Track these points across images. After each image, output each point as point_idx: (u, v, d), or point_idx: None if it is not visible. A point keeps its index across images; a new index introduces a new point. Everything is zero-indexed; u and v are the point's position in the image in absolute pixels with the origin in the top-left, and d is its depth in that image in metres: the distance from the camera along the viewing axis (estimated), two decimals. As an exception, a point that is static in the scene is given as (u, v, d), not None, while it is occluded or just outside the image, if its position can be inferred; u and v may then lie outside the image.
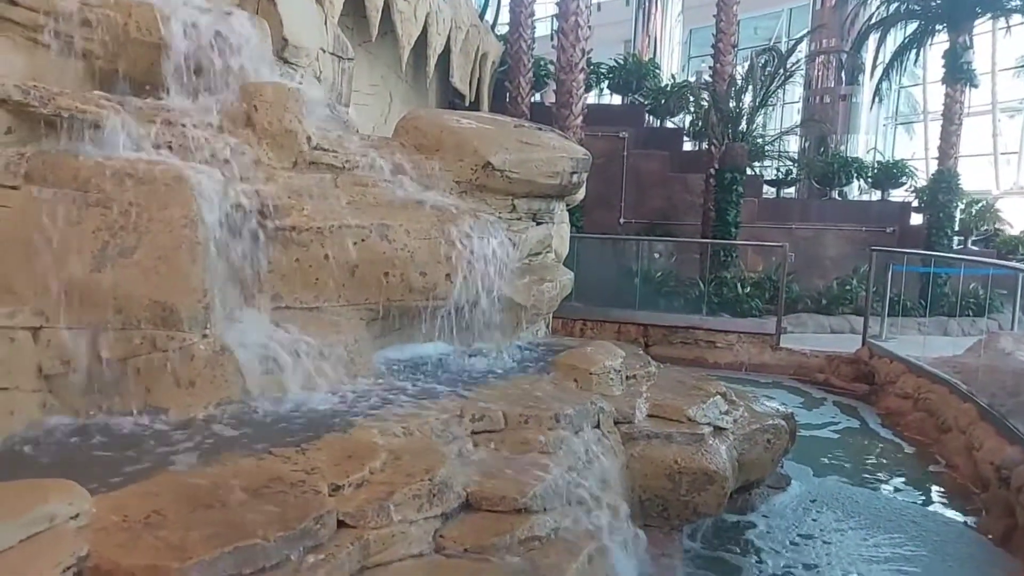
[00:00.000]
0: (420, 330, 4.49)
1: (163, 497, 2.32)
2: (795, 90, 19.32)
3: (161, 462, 2.67)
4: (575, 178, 5.43)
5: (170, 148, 3.59)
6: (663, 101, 15.42)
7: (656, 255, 12.83)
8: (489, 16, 15.50)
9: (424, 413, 3.33)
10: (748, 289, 11.37)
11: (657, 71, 16.47)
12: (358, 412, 3.37)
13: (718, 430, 4.15)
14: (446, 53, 11.74)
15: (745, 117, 12.83)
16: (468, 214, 4.51)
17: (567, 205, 6.03)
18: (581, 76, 12.71)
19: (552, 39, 14.93)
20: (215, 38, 4.14)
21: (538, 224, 5.43)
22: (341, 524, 2.40)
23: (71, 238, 3.10)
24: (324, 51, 5.46)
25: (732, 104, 12.78)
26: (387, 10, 9.68)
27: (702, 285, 11.35)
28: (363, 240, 4.00)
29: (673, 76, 17.80)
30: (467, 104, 12.96)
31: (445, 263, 4.21)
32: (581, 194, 6.12)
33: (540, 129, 5.66)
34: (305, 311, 3.88)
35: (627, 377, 4.42)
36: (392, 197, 4.38)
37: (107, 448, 2.84)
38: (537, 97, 15.19)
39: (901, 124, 24.62)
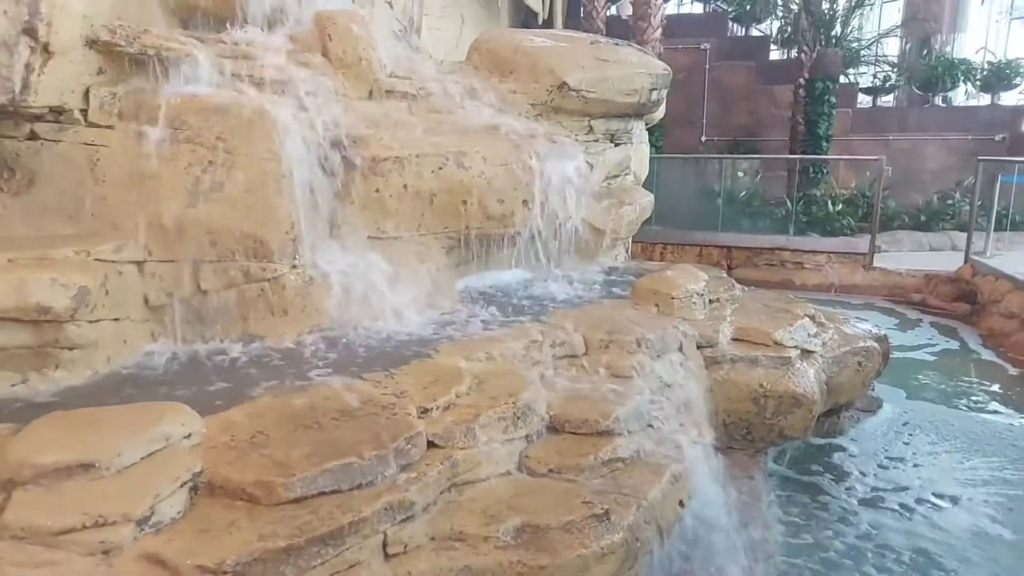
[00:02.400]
0: (499, 257, 4.51)
1: (265, 418, 2.46)
2: (896, -13, 17.75)
3: (263, 386, 2.83)
4: (654, 95, 5.23)
5: (251, 81, 3.64)
6: (748, 7, 14.50)
7: (740, 174, 12.32)
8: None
9: (506, 339, 3.38)
10: (839, 207, 10.85)
11: (742, -26, 15.44)
12: (442, 338, 3.45)
13: (806, 353, 4.05)
14: (518, -31, 11.32)
15: (839, 19, 11.92)
16: (544, 137, 4.43)
17: (646, 124, 5.84)
18: (660, -15, 12.06)
19: (628, -53, 14.13)
20: (287, -33, 4.11)
21: (616, 145, 5.29)
22: (431, 444, 2.50)
23: (165, 174, 3.23)
24: (394, -26, 5.36)
25: (825, 6, 11.87)
26: (456, -73, 9.37)
27: (789, 204, 10.88)
28: (440, 168, 4.00)
29: (760, -21, 16.64)
30: (540, 22, 12.55)
31: (522, 189, 4.18)
32: (661, 112, 5.90)
33: (617, 44, 5.44)
34: (387, 241, 3.95)
35: (710, 301, 4.33)
36: (467, 123, 4.34)
37: (211, 373, 3.03)
38: (613, 11, 14.55)
39: (1017, 19, 22.34)
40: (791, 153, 12.30)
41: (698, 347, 3.87)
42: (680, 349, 3.75)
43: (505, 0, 11.48)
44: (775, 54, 15.28)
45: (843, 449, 4.34)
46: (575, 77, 4.74)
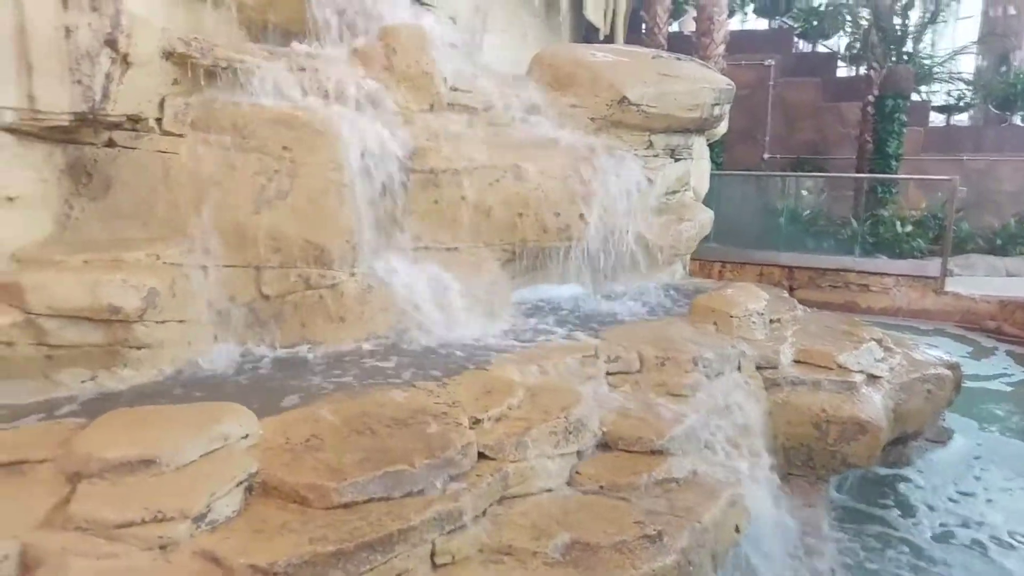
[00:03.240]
0: (554, 271, 4.49)
1: (321, 423, 2.49)
2: (971, 2, 17.12)
3: (317, 390, 2.87)
4: (717, 110, 5.15)
5: (316, 93, 3.73)
6: (815, 23, 14.18)
7: (804, 192, 12.01)
8: (625, -58, 14.76)
9: (559, 353, 3.35)
10: (909, 228, 10.44)
11: (810, -12, 15.14)
12: (495, 350, 3.44)
13: (872, 378, 3.89)
14: (580, -15, 11.37)
15: (911, 36, 11.56)
16: (603, 152, 4.41)
17: (707, 140, 5.75)
18: (724, 0, 11.91)
19: (692, -38, 14.03)
20: (355, -18, 4.22)
21: (676, 161, 5.22)
22: (481, 456, 2.48)
23: (232, 182, 3.34)
24: (459, -10, 5.44)
25: (896, 22, 11.53)
26: (520, -57, 9.46)
27: (855, 224, 10.54)
28: (498, 181, 4.01)
29: (828, -6, 16.29)
30: (602, 38, 12.54)
31: (579, 203, 4.16)
32: (723, 128, 5.81)
33: (679, 59, 5.39)
34: (444, 252, 3.98)
35: (770, 321, 4.22)
36: (526, 137, 4.36)
37: (269, 376, 3.09)
38: (675, 27, 14.45)
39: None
40: (858, 172, 11.94)
41: (757, 368, 3.76)
42: (738, 369, 3.66)
43: (566, 16, 11.52)
44: (843, 71, 14.90)
45: (910, 480, 4.14)
46: (636, 91, 4.71)
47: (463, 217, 3.99)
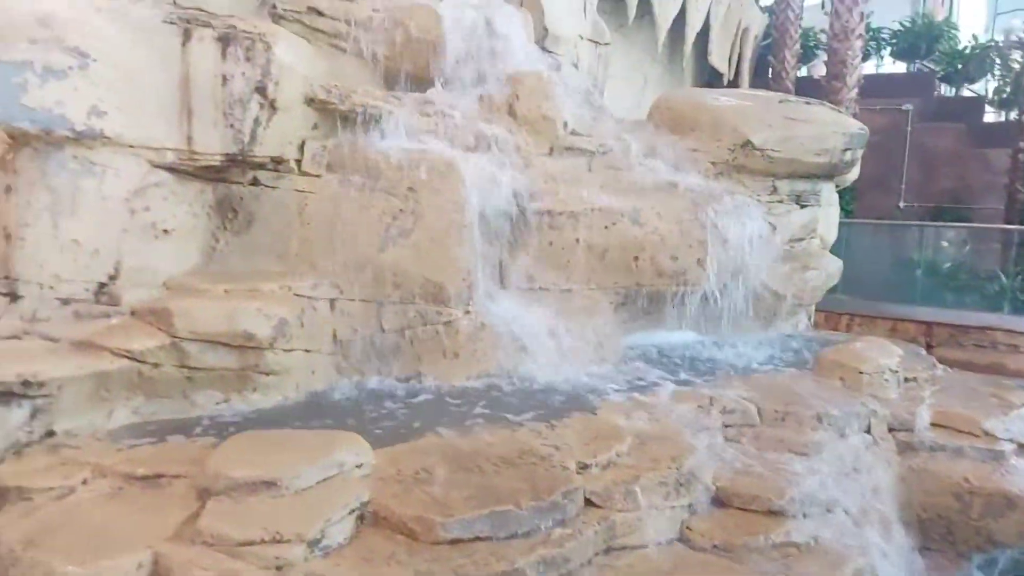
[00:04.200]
0: (670, 316, 4.39)
1: (430, 456, 2.54)
2: None
3: (428, 424, 2.92)
4: (847, 156, 4.93)
5: (443, 137, 3.89)
6: (960, 66, 13.36)
7: (944, 243, 11.19)
8: (752, -13, 14.58)
9: (671, 401, 3.26)
10: (1067, 285, 9.48)
11: (953, 32, 14.30)
12: (605, 394, 3.40)
13: (1023, 448, 3.52)
14: (704, 30, 11.30)
15: (1071, 78, 10.66)
16: (723, 196, 4.31)
17: (836, 186, 5.50)
18: (858, 43, 11.47)
19: (823, 6, 13.66)
20: (483, 33, 4.39)
21: (802, 207, 5.02)
22: (588, 502, 2.44)
23: (361, 220, 3.52)
24: (582, 38, 5.55)
25: (1054, 64, 10.69)
26: (645, -9, 9.56)
27: (1004, 278, 9.68)
28: (614, 224, 4.00)
29: (974, 37, 15.35)
30: (726, 83, 12.37)
31: (697, 247, 4.07)
32: (854, 174, 5.55)
33: (808, 103, 5.22)
34: (557, 293, 3.99)
35: (905, 379, 3.93)
36: (644, 180, 4.33)
37: (384, 408, 3.18)
38: (804, 71, 14.03)
39: None
40: (1007, 223, 11.00)
41: (889, 429, 3.50)
42: (868, 430, 3.41)
43: (690, 61, 11.47)
44: (990, 116, 13.91)
45: (1070, 568, 3.68)
46: (760, 136, 4.59)
47: (578, 259, 4.00)
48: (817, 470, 2.89)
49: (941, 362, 4.64)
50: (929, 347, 7.92)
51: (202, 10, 3.71)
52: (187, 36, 3.22)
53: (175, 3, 3.81)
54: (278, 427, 2.78)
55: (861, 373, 3.72)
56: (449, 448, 2.62)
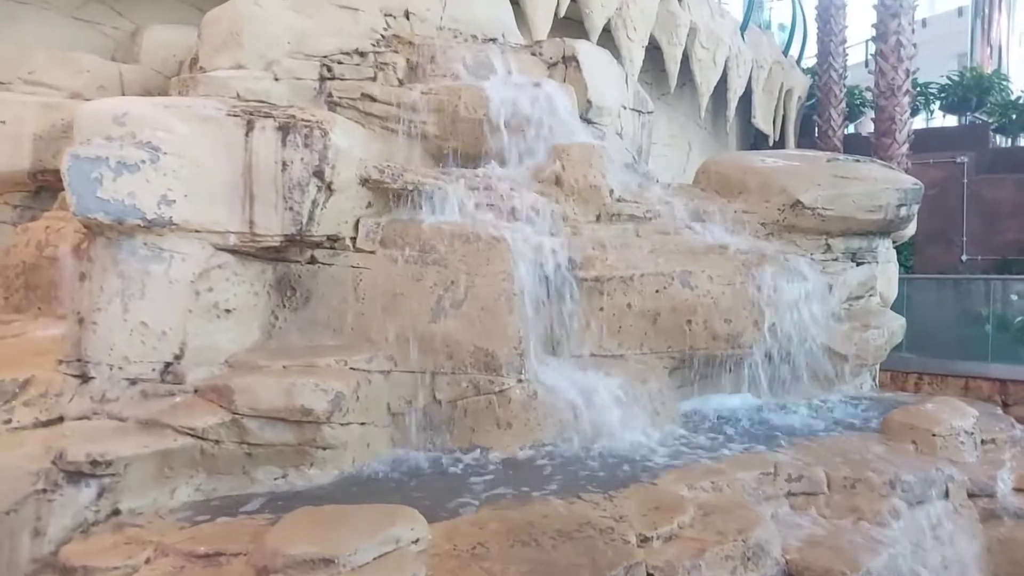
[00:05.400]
0: (726, 380, 4.30)
1: (486, 530, 2.50)
2: None
3: (483, 497, 2.89)
4: (903, 211, 4.84)
5: (491, 210, 3.98)
6: (1014, 116, 13.11)
7: (1014, 297, 10.74)
8: (794, 50, 14.73)
9: (733, 469, 3.16)
10: None
11: (1005, 83, 14.11)
12: (663, 463, 3.31)
13: (1121, 515, 3.27)
14: (747, 94, 11.42)
15: None
16: (776, 257, 4.26)
17: (893, 242, 5.38)
18: (905, 99, 11.43)
19: (867, 64, 13.70)
20: (529, 109, 4.53)
21: (858, 264, 4.93)
22: (650, 577, 2.35)
23: (414, 293, 3.60)
24: (625, 108, 5.67)
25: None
26: (686, 60, 9.76)
27: (1082, 332, 9.20)
28: (665, 288, 3.99)
29: (1028, 85, 15.10)
30: (771, 144, 12.40)
31: (751, 309, 4.01)
32: (910, 230, 5.44)
33: (857, 161, 5.18)
34: (609, 359, 3.97)
35: (982, 441, 3.73)
36: (694, 243, 4.33)
37: (439, 480, 3.17)
38: (851, 128, 13.97)
39: None
40: (1081, 273, 10.53)
41: (969, 495, 3.31)
42: (946, 496, 3.23)
43: (733, 125, 11.56)
44: (1052, 164, 13.51)
45: None
46: (810, 195, 4.57)
47: (629, 324, 3.98)
48: (894, 540, 2.74)
49: (1020, 422, 4.39)
50: (1005, 406, 7.53)
51: (263, 102, 3.95)
52: (250, 127, 3.42)
53: (239, 96, 4.07)
54: (335, 502, 2.78)
55: (934, 436, 3.55)
56: (505, 521, 2.58)
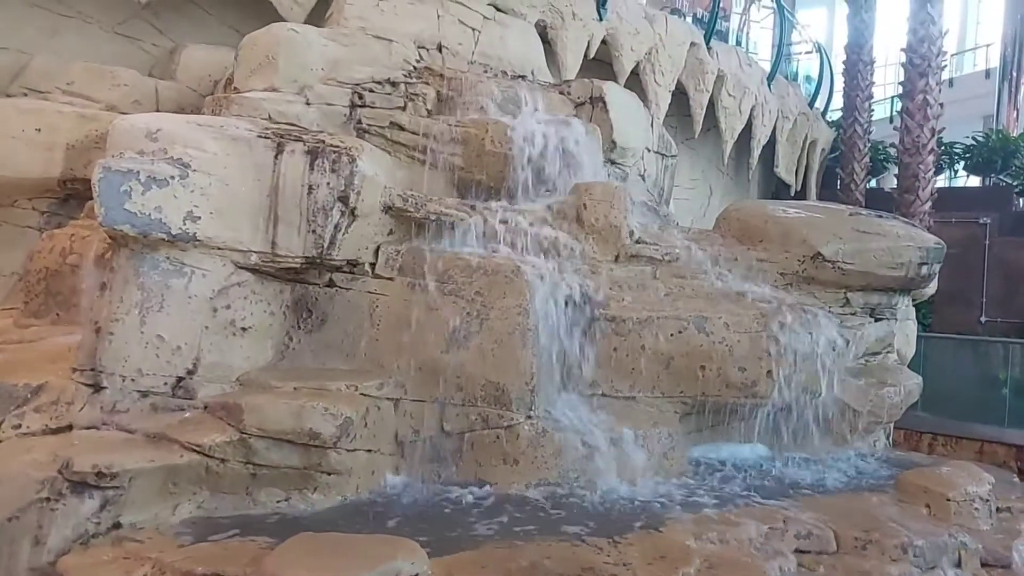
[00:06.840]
0: (737, 429, 4.25)
1: (487, 569, 2.46)
2: None
3: (486, 533, 2.85)
4: (924, 270, 4.80)
5: (510, 243, 3.99)
6: (1039, 179, 13.05)
7: (1033, 361, 10.58)
8: (820, 103, 14.80)
9: (741, 521, 3.10)
10: None
11: (1030, 146, 14.06)
12: (670, 510, 3.27)
13: None
14: (771, 143, 11.47)
15: None
16: (793, 308, 4.23)
17: (913, 300, 5.33)
18: (930, 158, 11.40)
19: (891, 120, 13.73)
20: (553, 146, 4.57)
21: (877, 320, 4.88)
22: (652, 629, 2.30)
23: (429, 322, 3.60)
24: (649, 150, 5.71)
25: None
26: (711, 106, 9.83)
27: (1103, 402, 9.02)
28: (680, 332, 3.96)
29: (1053, 153, 15.02)
30: (792, 194, 12.40)
31: (766, 359, 3.97)
32: (931, 288, 5.38)
33: (880, 217, 5.16)
34: (620, 400, 3.93)
35: (997, 509, 3.64)
36: (711, 289, 4.31)
37: (442, 513, 3.13)
38: (873, 183, 13.95)
39: None
40: (1103, 342, 10.36)
41: (983, 564, 3.22)
42: (958, 565, 3.15)
43: (756, 172, 11.59)
44: (1075, 229, 13.40)
45: None
46: (831, 248, 4.54)
47: (642, 366, 3.95)
48: (904, 607, 2.66)
49: (1038, 491, 4.28)
50: (1021, 472, 7.35)
51: (294, 125, 4.01)
52: (279, 149, 3.47)
53: (270, 118, 4.15)
54: (336, 529, 2.75)
55: (948, 500, 3.48)
56: (508, 561, 2.54)
